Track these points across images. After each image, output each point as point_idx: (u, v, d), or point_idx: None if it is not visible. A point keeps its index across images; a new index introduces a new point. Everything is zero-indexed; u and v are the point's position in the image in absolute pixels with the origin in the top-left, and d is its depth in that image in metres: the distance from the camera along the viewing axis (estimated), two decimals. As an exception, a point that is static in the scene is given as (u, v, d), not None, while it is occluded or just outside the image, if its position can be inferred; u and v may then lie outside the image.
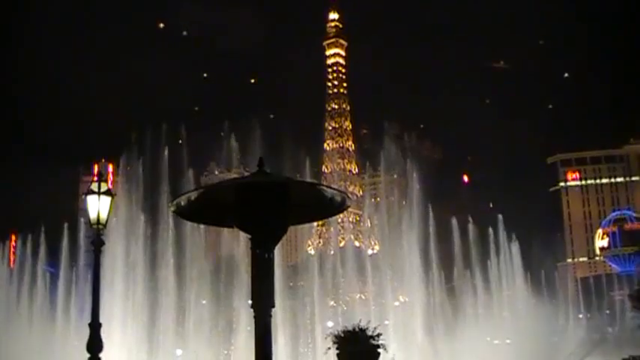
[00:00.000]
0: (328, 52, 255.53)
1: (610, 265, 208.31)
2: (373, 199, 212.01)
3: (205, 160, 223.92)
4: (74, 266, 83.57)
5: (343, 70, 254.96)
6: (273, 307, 11.49)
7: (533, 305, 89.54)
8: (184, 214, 12.90)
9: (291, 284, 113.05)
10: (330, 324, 76.94)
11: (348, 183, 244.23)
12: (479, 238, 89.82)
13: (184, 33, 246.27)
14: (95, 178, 24.95)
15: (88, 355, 23.74)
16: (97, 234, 24.04)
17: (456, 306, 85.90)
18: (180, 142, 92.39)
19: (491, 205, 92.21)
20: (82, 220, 72.21)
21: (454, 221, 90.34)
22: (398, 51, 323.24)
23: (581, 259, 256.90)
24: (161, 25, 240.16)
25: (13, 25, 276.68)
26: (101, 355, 24.01)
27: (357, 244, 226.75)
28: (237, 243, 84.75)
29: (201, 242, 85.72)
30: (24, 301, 79.15)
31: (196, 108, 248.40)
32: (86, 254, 73.36)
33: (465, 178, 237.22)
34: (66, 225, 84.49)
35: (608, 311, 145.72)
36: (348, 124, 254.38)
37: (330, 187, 12.30)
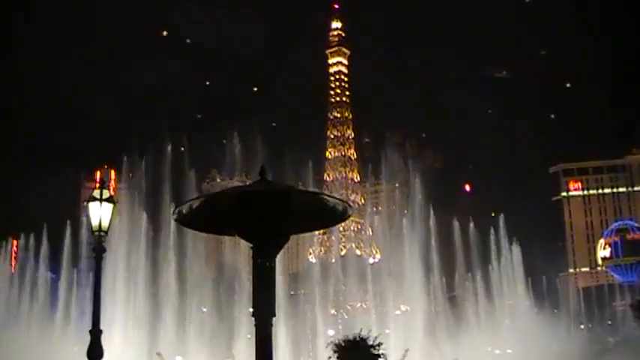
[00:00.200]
0: (331, 61, 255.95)
1: (612, 276, 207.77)
2: (375, 208, 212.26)
3: (207, 167, 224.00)
4: (76, 272, 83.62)
5: (346, 79, 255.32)
6: (274, 316, 11.49)
7: (534, 315, 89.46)
8: (186, 222, 12.93)
9: (292, 292, 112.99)
10: (330, 333, 76.80)
11: (349, 191, 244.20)
12: (480, 247, 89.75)
13: (187, 40, 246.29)
14: (97, 185, 24.92)
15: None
16: (99, 241, 24.00)
17: (457, 315, 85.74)
18: (182, 149, 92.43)
19: (492, 215, 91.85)
20: (85, 224, 72.16)
21: (455, 229, 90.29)
22: (400, 60, 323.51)
23: (583, 269, 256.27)
24: (164, 32, 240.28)
25: (17, 30, 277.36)
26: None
27: (358, 252, 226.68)
28: (239, 250, 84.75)
29: (203, 249, 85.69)
30: (24, 306, 79.16)
31: (199, 115, 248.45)
32: (87, 260, 73.39)
33: (467, 187, 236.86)
34: (67, 231, 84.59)
35: (610, 321, 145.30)
36: (350, 133, 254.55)
37: (332, 197, 12.32)
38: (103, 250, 24.31)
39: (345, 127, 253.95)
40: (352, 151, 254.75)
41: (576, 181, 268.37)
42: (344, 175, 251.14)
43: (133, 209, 79.63)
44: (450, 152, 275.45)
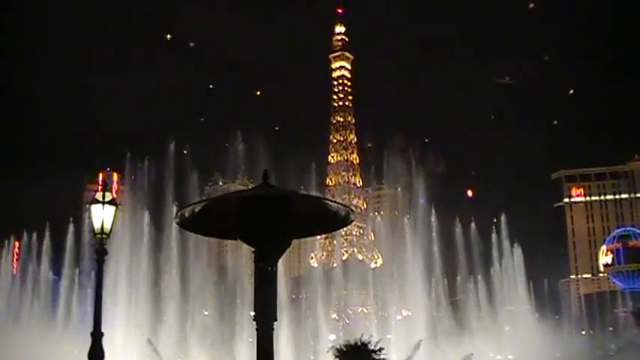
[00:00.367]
0: (334, 65, 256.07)
1: (614, 282, 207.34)
2: (377, 213, 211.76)
3: (209, 170, 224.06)
4: (77, 273, 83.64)
5: (349, 83, 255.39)
6: (276, 320, 11.48)
7: (535, 320, 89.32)
8: (188, 226, 12.93)
9: (294, 297, 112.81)
10: (332, 337, 76.79)
11: (351, 196, 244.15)
12: (482, 252, 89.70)
13: (191, 44, 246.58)
14: (100, 187, 24.93)
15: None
16: (101, 243, 24.02)
17: (458, 320, 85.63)
18: (184, 151, 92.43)
19: (494, 220, 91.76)
20: (87, 226, 72.15)
21: (458, 235, 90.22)
22: (403, 65, 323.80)
23: (584, 276, 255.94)
24: (168, 36, 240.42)
25: (19, 32, 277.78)
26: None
27: (360, 257, 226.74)
28: (241, 253, 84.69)
29: (205, 252, 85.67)
30: (25, 307, 79.20)
31: (202, 119, 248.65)
32: (89, 262, 73.43)
33: (469, 192, 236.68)
34: (70, 232, 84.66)
35: (611, 328, 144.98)
36: (352, 137, 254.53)
37: (335, 202, 12.32)
38: (105, 252, 24.32)
39: (348, 131, 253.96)
40: (355, 155, 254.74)
41: (578, 188, 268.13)
42: (346, 179, 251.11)
43: (136, 212, 79.64)
44: (453, 157, 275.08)
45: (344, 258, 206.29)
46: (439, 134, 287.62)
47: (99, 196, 24.13)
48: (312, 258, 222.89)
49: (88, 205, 24.67)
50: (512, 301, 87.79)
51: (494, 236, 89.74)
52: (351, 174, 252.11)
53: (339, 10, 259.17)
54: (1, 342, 61.55)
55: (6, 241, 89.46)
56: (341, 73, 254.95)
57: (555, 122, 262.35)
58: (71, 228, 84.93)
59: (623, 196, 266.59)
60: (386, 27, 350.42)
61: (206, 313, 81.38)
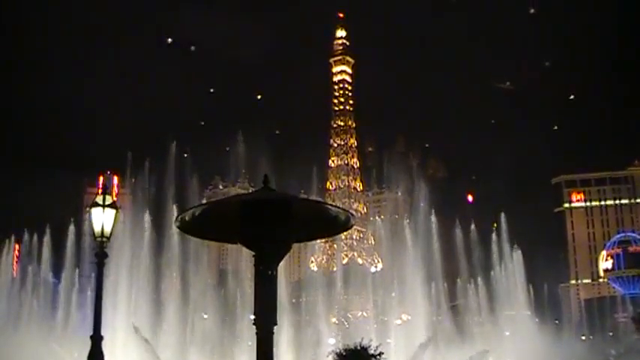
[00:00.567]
0: (335, 69, 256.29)
1: (614, 287, 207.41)
2: (377, 217, 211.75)
3: (210, 173, 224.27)
4: (77, 276, 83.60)
5: (349, 88, 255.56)
6: (276, 324, 11.48)
7: (535, 325, 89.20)
8: (188, 229, 12.95)
9: (294, 301, 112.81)
10: (331, 341, 76.73)
11: (352, 200, 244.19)
12: (482, 257, 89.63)
13: (192, 47, 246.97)
14: (100, 190, 24.92)
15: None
16: (101, 246, 24.01)
17: (458, 325, 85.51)
18: (185, 155, 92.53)
19: (494, 225, 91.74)
20: (87, 229, 72.13)
21: (458, 239, 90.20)
22: (404, 69, 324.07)
23: (584, 281, 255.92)
24: (169, 39, 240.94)
25: (20, 35, 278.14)
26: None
27: (360, 261, 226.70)
28: (241, 257, 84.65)
29: (205, 256, 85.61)
30: (25, 311, 79.10)
31: (202, 122, 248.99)
32: (90, 265, 73.31)
33: (469, 197, 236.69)
34: (70, 235, 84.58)
35: (611, 333, 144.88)
36: (353, 142, 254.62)
37: (335, 206, 12.35)
38: (105, 255, 24.32)
39: (349, 135, 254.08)
40: (355, 159, 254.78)
41: (578, 193, 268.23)
42: (347, 183, 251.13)
43: (136, 215, 79.61)
44: (453, 162, 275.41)
45: (344, 262, 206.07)
46: (440, 139, 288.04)
47: (99, 199, 24.13)
48: (312, 262, 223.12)
49: (88, 208, 24.66)
50: (512, 306, 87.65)
51: (494, 241, 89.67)
52: (351, 178, 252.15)
53: (340, 15, 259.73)
54: (1, 344, 61.52)
55: (6, 244, 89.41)
56: (342, 77, 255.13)
57: (555, 127, 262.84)
58: (71, 231, 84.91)
59: (624, 201, 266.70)
60: (387, 31, 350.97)
61: (206, 316, 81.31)
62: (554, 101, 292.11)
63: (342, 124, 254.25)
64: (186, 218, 12.08)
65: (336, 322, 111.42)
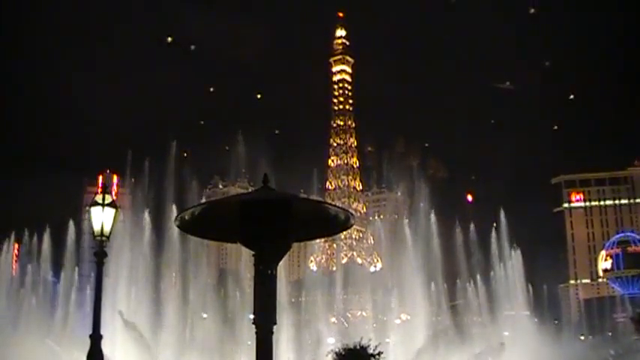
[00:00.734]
0: (334, 69, 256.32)
1: (613, 287, 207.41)
2: (377, 217, 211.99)
3: (209, 173, 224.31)
4: (77, 275, 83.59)
5: (349, 87, 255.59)
6: (275, 323, 11.49)
7: (535, 325, 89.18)
8: (188, 228, 12.94)
9: (294, 300, 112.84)
10: (331, 341, 76.65)
11: (351, 200, 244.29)
12: (482, 256, 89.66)
13: (192, 47, 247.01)
14: (100, 190, 24.93)
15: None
16: (100, 246, 24.01)
17: (457, 325, 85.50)
18: (185, 155, 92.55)
19: (494, 225, 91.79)
20: (87, 228, 72.10)
21: (457, 239, 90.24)
22: (404, 69, 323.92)
23: (584, 281, 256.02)
24: (169, 39, 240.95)
25: (21, 36, 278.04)
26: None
27: (359, 260, 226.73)
28: (240, 257, 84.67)
29: (205, 255, 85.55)
30: (25, 309, 79.02)
31: (202, 122, 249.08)
32: (89, 264, 73.26)
33: (469, 197, 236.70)
34: (69, 235, 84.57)
35: (610, 333, 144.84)
36: (352, 141, 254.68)
37: (334, 205, 12.34)
38: (105, 254, 24.32)
39: (348, 135, 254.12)
40: (355, 159, 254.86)
41: (578, 193, 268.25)
42: (346, 183, 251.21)
43: (136, 214, 79.61)
44: (453, 162, 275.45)
45: (344, 262, 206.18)
46: (439, 139, 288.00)
47: (99, 198, 24.13)
48: (311, 261, 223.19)
49: (87, 208, 24.65)
50: (511, 306, 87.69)
51: (493, 241, 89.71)
52: (351, 178, 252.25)
53: (340, 14, 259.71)
54: (0, 343, 61.50)
55: (6, 243, 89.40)
56: (341, 77, 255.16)
57: (555, 127, 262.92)
58: (71, 230, 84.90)
59: (623, 201, 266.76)
60: (386, 31, 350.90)
61: (205, 316, 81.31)
62: (554, 101, 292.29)
63: (341, 123, 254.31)
64: (186, 217, 12.08)
65: (336, 321, 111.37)
